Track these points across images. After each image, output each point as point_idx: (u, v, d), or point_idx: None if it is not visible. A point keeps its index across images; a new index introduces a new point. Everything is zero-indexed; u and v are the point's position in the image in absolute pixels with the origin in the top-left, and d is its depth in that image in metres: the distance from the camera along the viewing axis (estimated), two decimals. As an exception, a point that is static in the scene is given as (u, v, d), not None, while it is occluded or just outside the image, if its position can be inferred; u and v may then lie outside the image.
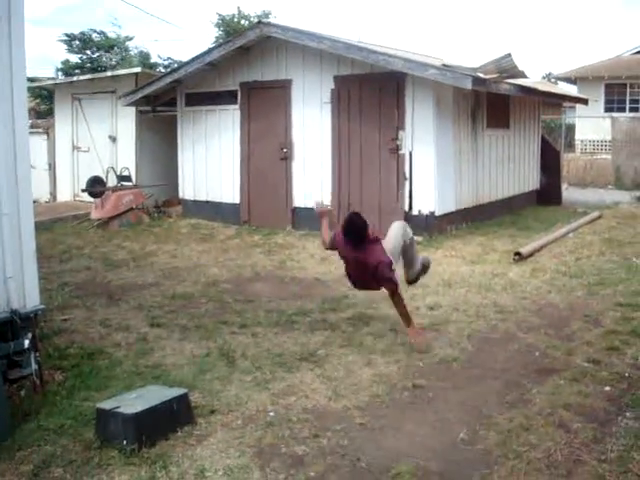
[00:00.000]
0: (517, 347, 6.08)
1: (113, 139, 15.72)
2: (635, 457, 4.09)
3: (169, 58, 32.42)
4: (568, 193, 17.80)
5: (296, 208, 12.20)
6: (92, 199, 13.86)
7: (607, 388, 5.14)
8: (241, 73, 12.81)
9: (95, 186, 13.99)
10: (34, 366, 5.12)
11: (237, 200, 12.98)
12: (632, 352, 5.90)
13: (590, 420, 4.60)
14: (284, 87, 12.21)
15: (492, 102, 12.82)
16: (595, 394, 5.02)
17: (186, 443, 4.29)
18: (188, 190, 13.86)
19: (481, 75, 10.56)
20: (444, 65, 10.72)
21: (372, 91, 11.27)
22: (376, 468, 4.00)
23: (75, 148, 16.47)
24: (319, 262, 9.72)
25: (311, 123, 11.95)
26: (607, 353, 5.87)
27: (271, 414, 4.71)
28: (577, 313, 7.08)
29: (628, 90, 25.70)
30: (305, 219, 11.58)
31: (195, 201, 13.71)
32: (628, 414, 4.72)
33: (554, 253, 10.07)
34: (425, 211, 11.08)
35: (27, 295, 5.21)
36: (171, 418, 4.41)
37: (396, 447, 4.26)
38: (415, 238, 6.91)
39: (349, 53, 11.02)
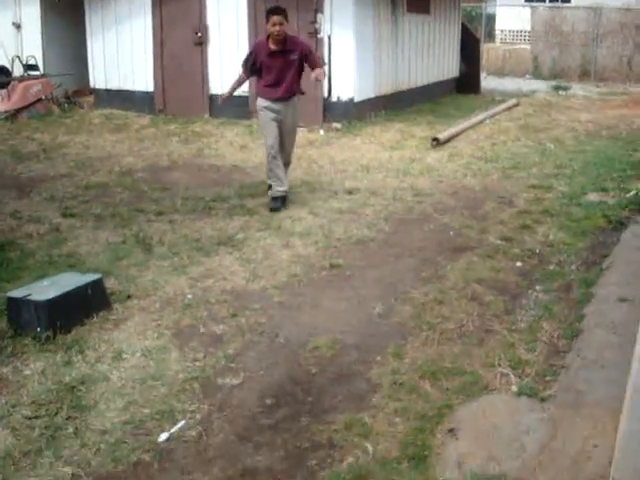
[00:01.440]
0: (433, 227, 6.20)
1: (17, 26, 14.74)
2: (544, 327, 4.29)
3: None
4: (487, 82, 17.86)
5: (213, 95, 11.80)
6: (-3, 90, 13.13)
7: (519, 264, 5.33)
8: (150, -47, 12.07)
9: (0, 76, 13.21)
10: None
11: (151, 88, 12.48)
12: (543, 230, 6.11)
13: (502, 293, 4.78)
14: (195, -32, 11.61)
15: (412, -14, 12.54)
16: (507, 269, 5.21)
17: (102, 328, 4.25)
18: (99, 79, 13.24)
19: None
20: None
21: (289, -28, 10.84)
22: (294, 343, 4.07)
23: (-25, 36, 15.43)
24: (237, 150, 9.58)
25: (226, 5, 11.46)
26: (519, 231, 6.06)
27: (189, 297, 4.69)
28: (491, 195, 7.24)
29: (548, -22, 25.57)
30: (222, 107, 11.25)
31: (107, 90, 13.13)
32: (538, 287, 4.93)
33: (471, 139, 10.19)
34: (344, 97, 10.95)
35: None
36: (86, 304, 4.34)
37: (314, 323, 4.33)
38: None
39: None
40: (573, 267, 5.29)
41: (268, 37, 6.55)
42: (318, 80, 6.74)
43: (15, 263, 5.39)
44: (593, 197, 7.15)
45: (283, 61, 6.59)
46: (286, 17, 6.50)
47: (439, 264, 5.29)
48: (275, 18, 6.42)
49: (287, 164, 7.06)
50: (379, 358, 3.90)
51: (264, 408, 3.46)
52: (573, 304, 4.60)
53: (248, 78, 7.06)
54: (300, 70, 6.74)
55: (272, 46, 6.56)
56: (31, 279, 4.91)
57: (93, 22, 13.07)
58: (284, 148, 6.87)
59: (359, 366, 3.82)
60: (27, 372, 3.77)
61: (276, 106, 6.67)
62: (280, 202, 6.68)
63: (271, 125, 6.66)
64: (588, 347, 3.95)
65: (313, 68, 6.70)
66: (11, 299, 4.26)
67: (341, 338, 4.11)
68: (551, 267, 5.31)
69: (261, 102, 6.73)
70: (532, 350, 3.99)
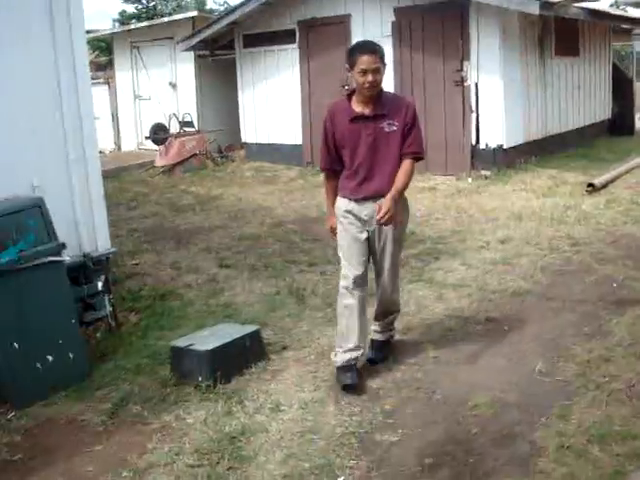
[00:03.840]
0: (593, 279, 5.90)
1: (173, 85, 15.72)
2: None
3: (225, 2, 32.12)
4: (641, 122, 17.07)
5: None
6: (156, 146, 13.97)
7: (691, 318, 4.95)
8: (298, 11, 12.54)
9: (158, 133, 14.07)
10: (108, 308, 5.23)
11: (299, 141, 12.85)
12: None
13: (673, 351, 4.44)
14: (343, 22, 11.91)
15: (560, 29, 12.24)
16: (678, 324, 4.84)
17: (260, 378, 4.32)
18: (250, 133, 13.81)
19: (549, -1, 10.08)
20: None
21: (434, 22, 10.89)
22: (452, 400, 3.95)
23: (136, 97, 16.55)
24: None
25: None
26: (689, 283, 5.65)
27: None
28: (656, 243, 6.82)
29: None
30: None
31: (257, 144, 13.65)
32: None
33: (628, 184, 9.69)
34: (493, 144, 10.77)
35: (98, 239, 5.30)
36: (244, 354, 4.44)
37: (472, 380, 4.19)
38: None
39: (409, -17, 10.64)
40: None
41: (350, 95, 4.23)
42: (383, 224, 4.08)
43: (176, 312, 5.63)
44: None
45: (374, 132, 4.11)
46: (383, 59, 4.11)
47: (603, 319, 5.00)
48: (367, 58, 4.00)
49: (386, 313, 4.54)
50: (543, 419, 3.70)
51: (423, 467, 3.36)
52: None
53: (337, 177, 4.36)
54: (401, 149, 4.18)
55: (357, 108, 4.16)
56: (191, 328, 5.10)
57: (244, 78, 13.69)
58: (380, 283, 4.40)
59: (522, 427, 3.64)
60: (189, 420, 3.88)
61: (365, 209, 4.18)
62: (353, 374, 4.19)
63: (354, 243, 4.22)
64: None
65: (404, 154, 4.18)
66: (175, 348, 4.43)
67: (501, 396, 3.95)
68: None
69: (341, 204, 4.27)
70: None
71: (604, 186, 9.46)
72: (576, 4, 10.90)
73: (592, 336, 4.72)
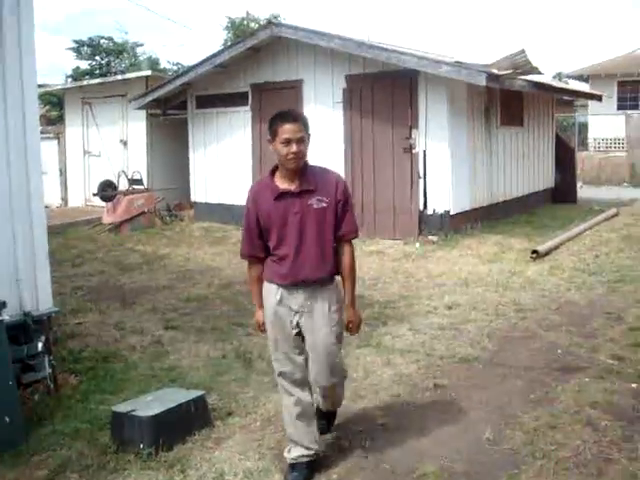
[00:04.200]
0: (539, 345, 5.96)
1: (124, 143, 15.69)
2: (667, 455, 3.96)
3: (178, 63, 32.48)
4: (583, 191, 17.64)
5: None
6: (104, 203, 13.82)
7: (634, 385, 5.02)
8: (252, 74, 12.73)
9: (106, 190, 13.94)
10: (48, 370, 5.05)
11: (249, 202, 12.85)
12: (657, 349, 5.77)
13: (618, 418, 4.47)
14: (295, 87, 12.12)
15: (506, 99, 12.69)
16: (622, 391, 4.90)
17: (204, 446, 4.20)
18: (200, 193, 13.80)
19: (495, 71, 10.42)
20: (457, 62, 10.59)
21: (384, 90, 11.16)
22: (400, 469, 3.89)
23: (86, 153, 16.46)
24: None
25: (323, 123, 11.82)
26: (632, 350, 5.75)
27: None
28: (598, 310, 6.95)
29: (641, 87, 25.45)
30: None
31: (207, 204, 13.62)
32: (657, 411, 4.59)
33: (572, 251, 9.93)
34: (440, 210, 10.95)
35: (40, 298, 5.14)
36: (188, 421, 4.31)
37: (419, 448, 4.14)
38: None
39: (360, 51, 10.90)
40: (695, 391, 4.94)
41: (274, 171, 3.82)
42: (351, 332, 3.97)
43: (118, 375, 5.47)
44: None
45: (302, 210, 3.69)
46: (307, 128, 3.73)
47: (549, 385, 5.03)
48: (290, 127, 3.63)
49: (325, 397, 4.08)
50: (491, 489, 3.67)
51: (371, 540, 3.28)
52: (700, 432, 4.26)
53: (262, 264, 3.90)
54: (334, 228, 3.77)
55: (282, 184, 3.76)
56: (134, 392, 4.96)
57: (195, 138, 13.76)
58: (315, 376, 3.86)
59: (470, 497, 3.60)
60: (128, 490, 3.74)
61: (294, 298, 3.76)
62: (304, 473, 3.81)
63: (283, 337, 3.80)
64: None
65: (341, 237, 3.81)
66: (116, 413, 4.28)
67: (449, 465, 3.90)
68: (670, 389, 4.98)
69: (268, 292, 3.82)
70: (657, 483, 3.69)
71: (548, 253, 9.67)
72: (521, 77, 11.30)
73: (538, 403, 4.73)
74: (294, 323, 3.78)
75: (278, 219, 3.73)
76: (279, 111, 3.80)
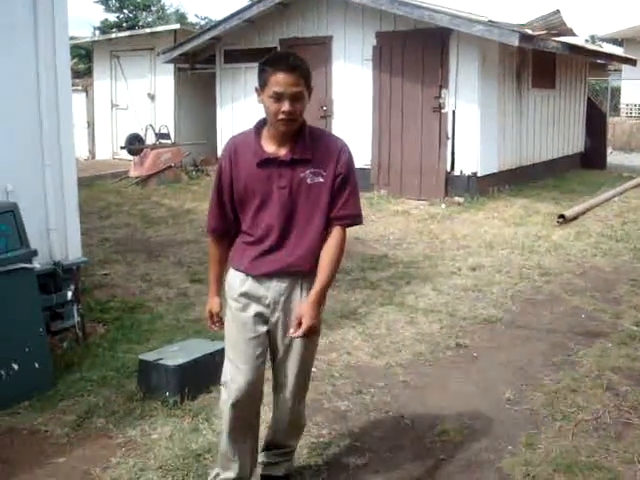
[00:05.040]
0: (562, 309, 5.96)
1: (152, 97, 15.68)
2: (687, 421, 3.98)
3: (206, 17, 32.26)
4: (613, 157, 17.39)
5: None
6: (131, 157, 13.89)
7: (656, 352, 5.02)
8: (280, 30, 12.63)
9: (134, 144, 13.99)
10: (76, 318, 5.16)
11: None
12: (681, 316, 5.75)
13: (639, 384, 4.48)
14: (324, 44, 12.01)
15: (538, 61, 12.48)
16: (644, 358, 4.90)
17: (228, 396, 4.26)
18: (226, 148, 13.79)
19: (528, 32, 10.25)
20: (490, 22, 10.41)
21: (415, 48, 11.02)
22: (420, 425, 3.95)
23: (114, 106, 16.48)
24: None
25: (352, 81, 11.75)
26: (656, 317, 5.73)
27: (314, 370, 4.64)
28: (623, 277, 6.92)
29: (677, 52, 24.83)
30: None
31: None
32: (678, 378, 4.60)
33: (599, 217, 9.85)
34: (467, 172, 10.88)
35: (69, 248, 5.23)
36: (213, 371, 4.37)
37: (440, 405, 4.19)
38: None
39: (392, 8, 10.74)
40: None
41: (261, 126, 3.08)
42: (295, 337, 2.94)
43: (145, 325, 5.57)
44: None
45: (291, 184, 2.94)
46: (308, 82, 2.90)
47: (571, 349, 5.05)
48: (283, 78, 2.82)
49: (284, 436, 3.32)
50: (510, 447, 3.71)
51: (390, 492, 3.35)
52: None
53: (229, 241, 3.16)
54: (328, 210, 2.96)
55: (268, 147, 2.99)
56: (160, 342, 5.05)
57: (223, 94, 13.69)
58: (279, 394, 3.18)
59: (489, 454, 3.64)
60: (155, 436, 3.83)
61: (265, 291, 3.01)
62: None
63: (246, 339, 3.02)
64: None
65: (333, 221, 2.97)
66: (143, 362, 4.36)
67: (470, 423, 3.95)
68: (693, 357, 4.97)
69: (233, 281, 3.07)
70: (675, 447, 3.71)
71: (575, 218, 9.60)
72: (554, 38, 11.10)
73: (560, 366, 4.75)
74: (262, 320, 2.98)
75: (258, 191, 2.91)
76: (273, 54, 3.00)
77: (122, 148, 14.28)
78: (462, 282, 6.65)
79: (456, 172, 10.94)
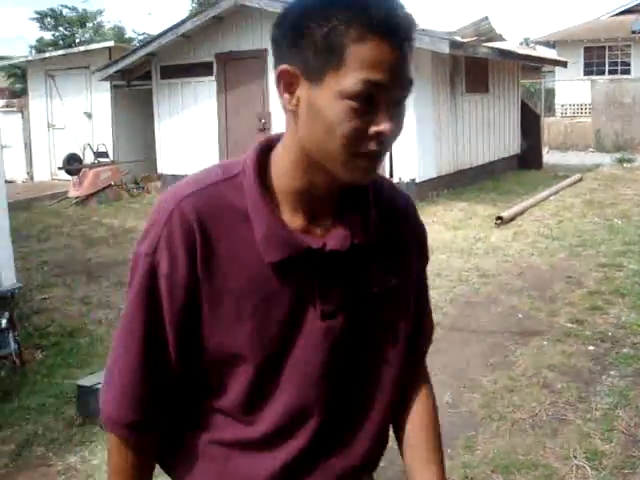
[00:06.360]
0: (500, 310, 6.08)
1: (89, 115, 15.49)
2: (620, 415, 4.10)
3: (144, 33, 31.96)
4: (549, 157, 17.79)
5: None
6: (69, 177, 13.69)
7: (591, 347, 5.15)
8: (216, 44, 12.62)
9: (72, 164, 13.79)
10: (13, 345, 5.05)
11: (217, 173, 12.82)
12: (615, 311, 5.92)
13: (574, 380, 4.61)
14: (260, 57, 12.02)
15: (471, 66, 12.72)
16: (579, 354, 5.03)
17: (169, 417, 4.24)
18: (166, 164, 13.71)
19: (458, 39, 10.46)
20: (421, 30, 10.58)
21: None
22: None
23: (50, 126, 16.22)
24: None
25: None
26: (590, 313, 5.88)
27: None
28: (560, 275, 7.09)
29: (607, 53, 25.58)
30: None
31: (174, 175, 13.51)
32: (612, 372, 4.74)
33: (536, 216, 10.08)
34: (406, 178, 11.02)
35: (2, 275, 5.12)
36: (153, 392, 4.36)
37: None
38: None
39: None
40: (649, 351, 5.10)
41: (259, 167, 1.24)
42: None
43: (84, 349, 5.49)
44: (666, 276, 6.94)
45: (349, 298, 1.23)
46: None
47: (508, 349, 5.16)
48: (390, 53, 1.09)
49: None
50: (449, 450, 3.76)
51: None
52: (651, 391, 4.41)
53: (155, 431, 1.26)
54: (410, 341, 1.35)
55: (292, 217, 1.23)
56: (100, 366, 4.96)
57: (161, 109, 13.62)
58: None
59: (429, 459, 3.70)
60: (95, 462, 3.78)
61: None
62: None
63: None
64: (670, 439, 3.76)
65: (414, 352, 1.38)
66: (80, 387, 4.31)
67: (409, 429, 4.00)
68: (625, 350, 5.11)
69: None
70: (609, 440, 3.81)
71: (513, 219, 9.80)
72: (485, 44, 11.35)
73: (497, 367, 4.85)
74: None
75: (273, 328, 1.21)
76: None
77: (60, 169, 14.06)
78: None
79: (395, 179, 11.05)
